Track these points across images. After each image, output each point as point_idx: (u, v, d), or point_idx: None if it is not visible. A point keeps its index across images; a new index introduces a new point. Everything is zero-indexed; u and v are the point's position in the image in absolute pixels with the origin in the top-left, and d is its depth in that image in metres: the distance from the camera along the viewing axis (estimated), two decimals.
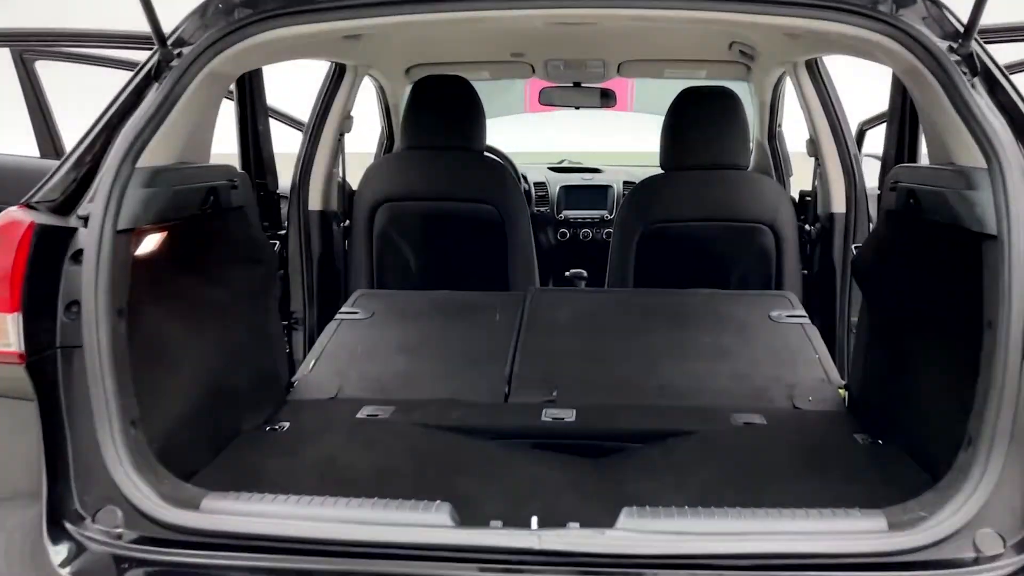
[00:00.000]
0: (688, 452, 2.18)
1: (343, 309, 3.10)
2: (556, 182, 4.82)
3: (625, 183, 4.75)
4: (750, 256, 3.30)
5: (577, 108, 4.38)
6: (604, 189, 4.77)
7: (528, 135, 5.61)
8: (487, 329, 2.93)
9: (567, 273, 4.44)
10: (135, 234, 1.79)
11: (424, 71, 3.95)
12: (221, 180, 2.12)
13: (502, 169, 3.45)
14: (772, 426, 2.31)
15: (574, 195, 4.78)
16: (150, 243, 1.94)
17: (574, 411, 2.37)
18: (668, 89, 4.58)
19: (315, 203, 3.47)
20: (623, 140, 5.70)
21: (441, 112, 3.42)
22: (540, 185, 4.80)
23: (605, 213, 4.72)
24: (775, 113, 4.18)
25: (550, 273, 4.83)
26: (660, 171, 3.40)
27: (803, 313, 2.97)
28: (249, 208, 2.33)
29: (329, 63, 3.45)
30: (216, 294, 2.18)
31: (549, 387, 2.53)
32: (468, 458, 2.14)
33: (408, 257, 3.50)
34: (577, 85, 4.27)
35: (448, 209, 3.43)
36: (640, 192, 3.40)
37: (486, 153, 3.50)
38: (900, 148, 2.97)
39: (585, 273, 4.40)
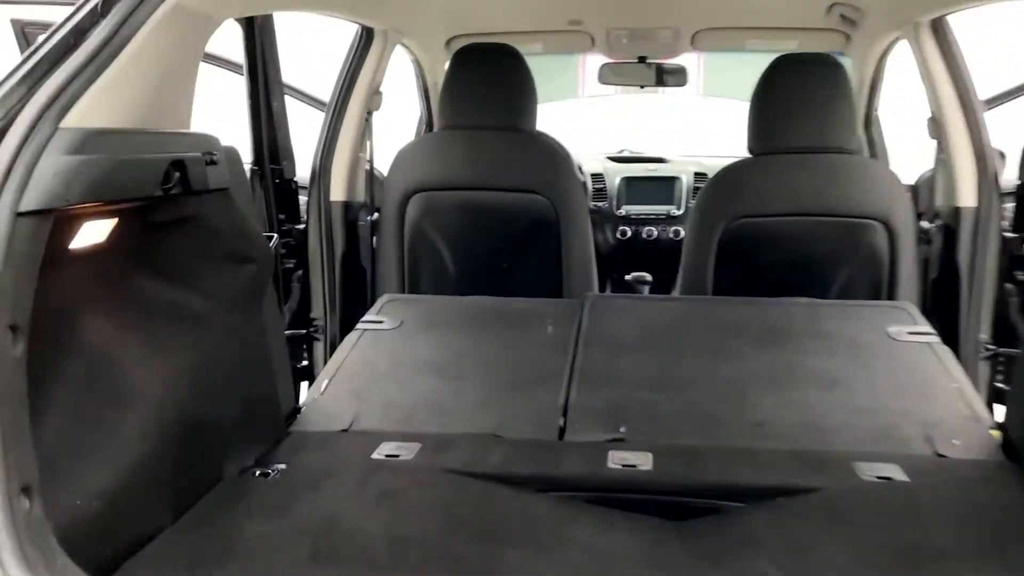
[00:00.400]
0: (807, 518, 1.62)
1: (366, 317, 2.60)
2: (615, 173, 4.26)
3: (696, 175, 4.18)
4: (858, 258, 2.73)
5: (642, 87, 3.82)
6: (671, 181, 4.19)
7: (584, 123, 5.04)
8: (537, 345, 2.41)
9: (628, 277, 3.89)
10: (57, 218, 1.29)
11: (467, 42, 3.45)
12: (192, 152, 1.61)
13: (557, 153, 2.91)
14: (915, 482, 1.74)
15: (636, 188, 4.21)
16: (87, 232, 1.44)
17: (650, 455, 1.83)
18: (744, 67, 4.03)
19: (338, 193, 2.97)
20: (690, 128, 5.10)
21: (485, 85, 2.90)
22: (597, 177, 4.25)
23: (672, 208, 4.15)
24: (875, 94, 3.59)
25: (608, 277, 4.28)
26: (744, 157, 2.84)
27: (929, 329, 2.39)
28: (237, 191, 1.81)
29: (356, 27, 2.95)
30: (185, 301, 1.68)
31: (615, 422, 2.00)
32: (512, 520, 1.61)
33: (444, 256, 2.98)
34: (642, 60, 3.72)
35: (492, 200, 2.90)
36: (723, 180, 2.83)
37: (537, 134, 2.97)
38: None
39: (649, 277, 3.85)
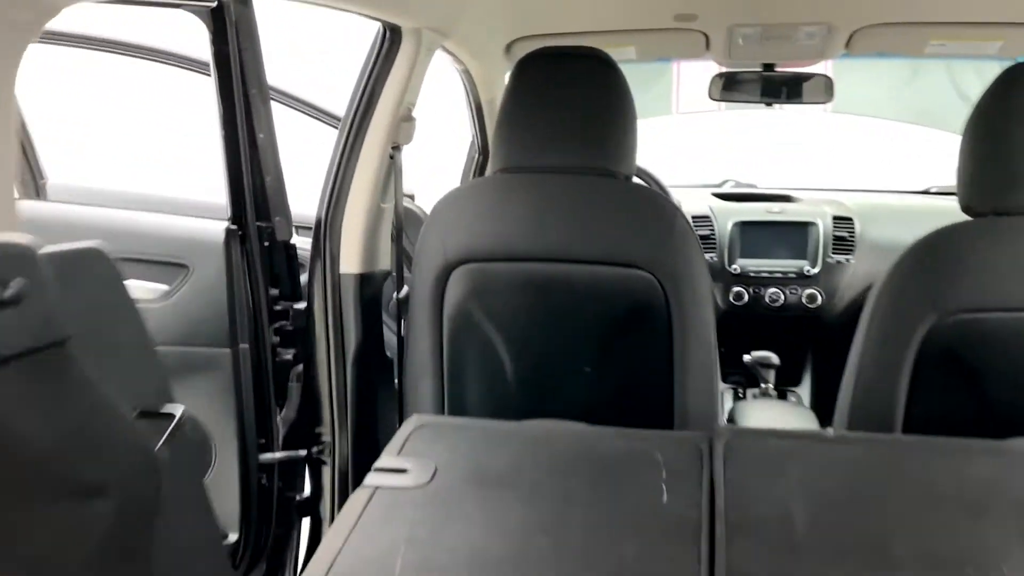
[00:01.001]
0: None
1: (383, 460, 1.70)
2: (726, 216, 3.29)
3: (836, 219, 3.20)
4: None
5: (769, 105, 2.85)
6: (803, 228, 3.21)
7: (678, 146, 4.06)
8: (648, 525, 1.49)
9: (747, 358, 2.94)
10: None
11: (536, 45, 2.56)
12: None
13: (667, 210, 1.98)
14: None
15: (755, 236, 3.24)
16: None
17: None
18: (880, 77, 3.03)
19: (351, 262, 2.10)
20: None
21: (563, 108, 1.98)
22: (702, 220, 3.30)
23: (805, 265, 3.17)
24: None
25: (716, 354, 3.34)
26: (957, 215, 1.88)
27: None
28: (79, 345, 0.93)
29: (377, 25, 2.07)
30: None
31: None
32: None
33: (501, 354, 2.06)
34: (769, 68, 2.76)
35: (571, 277, 1.98)
36: (929, 254, 1.86)
37: (637, 179, 2.04)
38: None
39: (775, 359, 2.89)
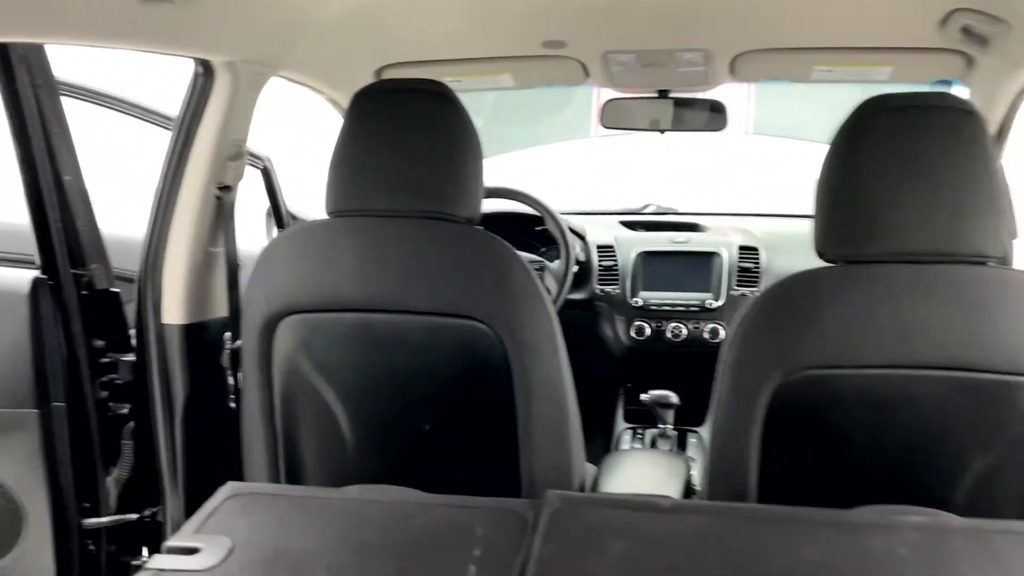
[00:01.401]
0: None
1: (172, 540, 1.55)
2: (631, 245, 3.15)
3: (743, 249, 3.07)
4: (1005, 439, 1.62)
5: (662, 132, 2.72)
6: (707, 258, 3.07)
7: (597, 170, 3.91)
8: None
9: (644, 397, 2.80)
10: None
11: (409, 73, 2.41)
12: None
13: (503, 255, 1.82)
14: None
15: (659, 267, 3.10)
16: None
17: None
18: (806, 97, 2.94)
19: (174, 312, 1.96)
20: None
21: (398, 149, 1.84)
22: (606, 250, 3.16)
23: (708, 298, 3.02)
24: (1002, 140, 2.46)
25: (619, 392, 3.18)
26: (816, 260, 1.74)
27: None
28: None
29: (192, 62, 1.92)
30: None
31: None
32: None
33: (335, 412, 1.91)
34: (663, 95, 2.62)
35: (404, 328, 1.83)
36: (778, 304, 1.73)
37: (480, 227, 1.89)
38: None
39: (675, 399, 2.75)
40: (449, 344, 1.82)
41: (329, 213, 1.87)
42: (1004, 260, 1.63)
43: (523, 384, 1.82)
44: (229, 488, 1.72)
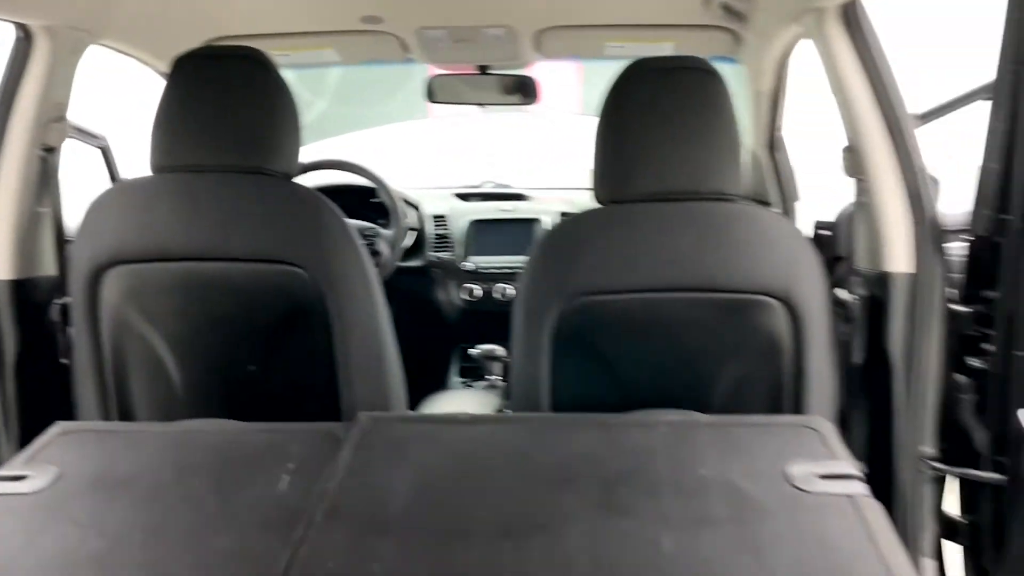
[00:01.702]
0: None
1: (6, 467, 1.66)
2: (462, 215, 3.38)
3: (563, 215, 3.34)
4: (749, 350, 1.90)
5: (481, 106, 2.95)
6: (529, 224, 3.32)
7: (434, 150, 4.12)
8: (253, 519, 1.50)
9: (474, 352, 3.02)
10: None
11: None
12: None
13: (315, 204, 2.00)
14: None
15: (487, 234, 3.33)
16: None
17: None
18: None
19: (2, 268, 2.04)
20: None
21: (216, 107, 1.98)
22: (440, 220, 3.37)
23: None
24: (777, 109, 2.79)
25: (454, 351, 3.40)
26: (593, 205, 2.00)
27: (850, 468, 1.55)
28: None
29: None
30: None
31: None
32: None
33: (163, 358, 2.05)
34: (484, 71, 2.85)
35: (226, 275, 1.98)
36: (557, 242, 1.97)
37: (297, 180, 2.06)
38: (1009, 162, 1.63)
39: (501, 351, 2.98)
40: (269, 288, 1.98)
41: (152, 170, 2.00)
42: (738, 199, 1.92)
43: (340, 323, 1.99)
44: (59, 427, 1.83)
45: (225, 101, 1.98)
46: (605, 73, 3.79)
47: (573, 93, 3.85)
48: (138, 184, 2.02)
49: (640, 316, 1.88)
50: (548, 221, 3.30)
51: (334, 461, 1.61)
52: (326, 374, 2.03)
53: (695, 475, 1.55)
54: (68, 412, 2.20)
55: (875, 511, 1.43)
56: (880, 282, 1.94)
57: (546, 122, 4.19)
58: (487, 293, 3.26)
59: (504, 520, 1.44)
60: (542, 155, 4.12)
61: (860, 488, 1.48)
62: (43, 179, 2.10)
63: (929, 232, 1.85)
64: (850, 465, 1.54)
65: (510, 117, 3.91)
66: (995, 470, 1.84)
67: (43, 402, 2.17)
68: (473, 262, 3.29)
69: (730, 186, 1.86)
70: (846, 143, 1.99)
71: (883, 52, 1.89)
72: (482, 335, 3.16)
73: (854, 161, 1.95)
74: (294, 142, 2.04)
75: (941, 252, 1.86)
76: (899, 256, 1.88)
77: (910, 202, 1.86)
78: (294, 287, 1.97)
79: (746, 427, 1.74)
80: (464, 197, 3.53)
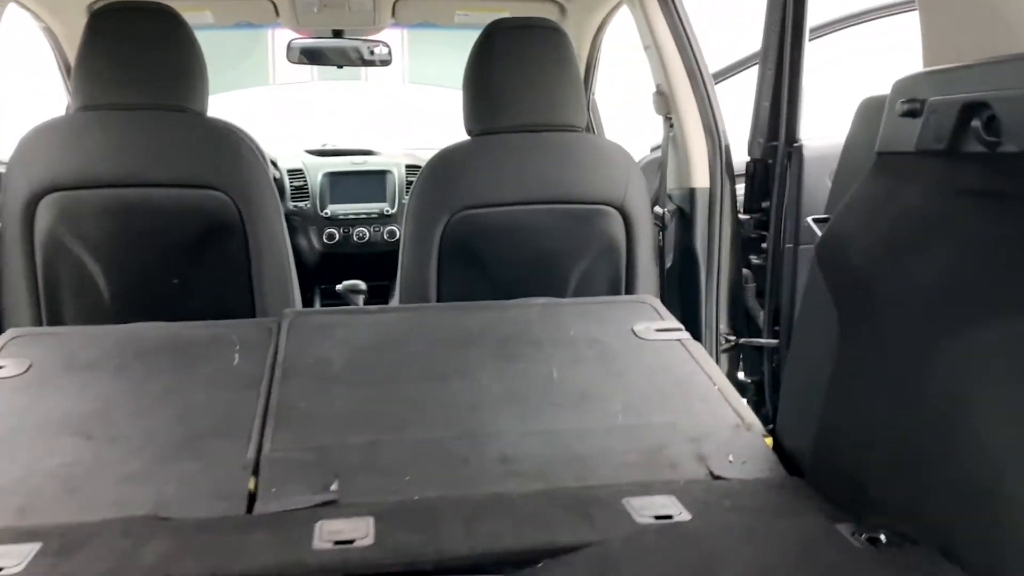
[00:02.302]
0: None
1: None
2: (317, 169, 3.72)
3: (409, 167, 3.75)
4: (594, 249, 2.43)
5: (339, 67, 3.32)
6: (381, 176, 3.73)
7: (275, 114, 4.42)
8: (217, 383, 1.83)
9: (339, 287, 3.38)
10: None
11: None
12: None
13: (237, 138, 2.34)
14: (696, 521, 1.40)
15: (343, 185, 3.70)
16: None
17: (371, 521, 1.35)
18: (451, 53, 3.67)
19: None
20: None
21: (136, 52, 2.26)
22: (296, 173, 3.70)
23: (385, 206, 3.69)
24: (592, 73, 3.36)
25: (315, 289, 3.73)
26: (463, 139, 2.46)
27: (675, 324, 2.11)
28: None
29: None
30: None
31: (324, 476, 1.50)
32: None
33: (94, 275, 2.30)
34: (338, 35, 3.22)
35: (151, 199, 2.27)
36: (439, 167, 2.41)
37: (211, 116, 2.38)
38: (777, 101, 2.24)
39: (363, 285, 3.36)
40: (190, 210, 2.29)
41: (79, 108, 2.25)
42: (583, 130, 2.44)
43: (255, 240, 2.34)
44: (11, 332, 2.07)
45: (144, 48, 2.27)
46: (427, 46, 4.26)
47: (399, 63, 4.25)
48: (67, 120, 2.26)
49: (509, 225, 2.36)
50: (397, 173, 3.71)
51: (274, 342, 1.98)
52: (240, 284, 2.36)
53: (566, 334, 2.05)
54: None
55: (698, 348, 2.00)
56: (685, 197, 2.52)
57: (373, 88, 4.58)
58: (345, 237, 3.64)
59: (426, 369, 1.89)
60: (373, 119, 4.51)
61: (686, 335, 2.04)
62: None
63: (722, 157, 2.45)
64: (677, 324, 2.10)
65: (342, 84, 4.26)
66: (772, 337, 2.47)
67: None
68: (331, 210, 3.64)
69: (577, 119, 2.38)
70: (656, 88, 2.56)
71: (688, 17, 2.46)
72: (340, 275, 3.52)
73: (664, 104, 2.52)
74: (205, 84, 2.36)
75: (731, 172, 2.47)
76: (699, 175, 2.47)
77: (706, 132, 2.44)
78: (214, 208, 2.29)
79: (598, 304, 2.27)
80: (316, 153, 3.87)
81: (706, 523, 1.37)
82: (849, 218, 1.54)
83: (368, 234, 3.65)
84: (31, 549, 1.28)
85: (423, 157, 3.83)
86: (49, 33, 2.86)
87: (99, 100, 2.23)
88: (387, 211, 3.67)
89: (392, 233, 3.64)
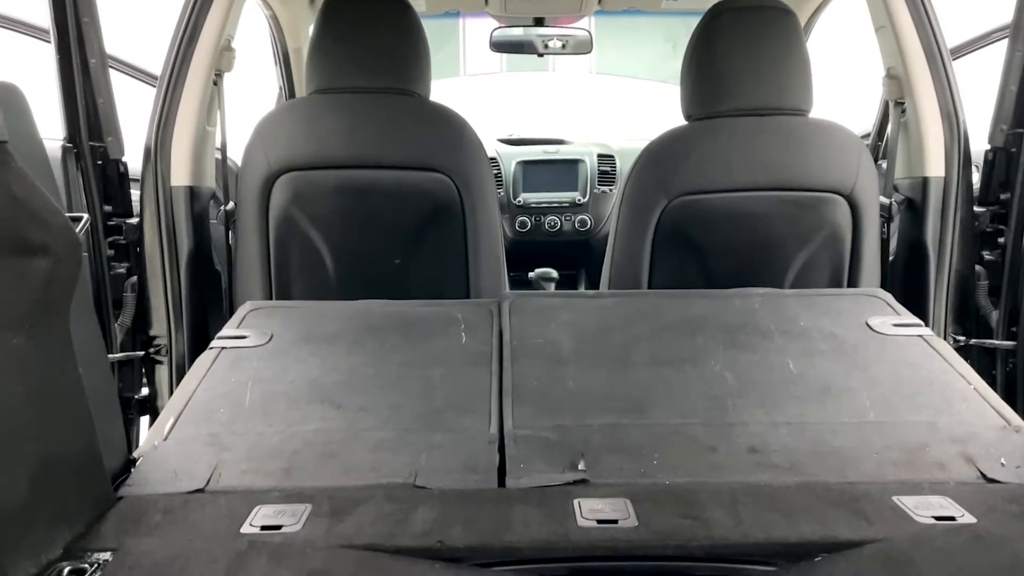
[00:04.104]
0: None
1: (224, 332, 1.98)
2: (510, 157, 3.76)
3: (601, 156, 3.73)
4: (817, 239, 2.33)
5: (540, 55, 3.33)
6: (573, 164, 3.72)
7: (466, 105, 4.49)
8: (449, 360, 1.86)
9: (531, 274, 3.40)
10: None
11: None
12: None
13: (459, 123, 2.38)
14: (982, 522, 1.31)
15: (535, 174, 3.73)
16: None
17: (628, 504, 1.33)
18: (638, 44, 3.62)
19: (181, 176, 2.35)
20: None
21: (367, 38, 2.34)
22: (491, 162, 3.75)
23: (577, 195, 3.68)
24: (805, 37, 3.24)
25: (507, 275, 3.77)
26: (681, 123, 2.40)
27: (914, 319, 1.99)
28: (20, 148, 1.19)
29: None
30: None
31: (570, 455, 1.49)
32: None
33: (322, 252, 2.39)
34: (539, 23, 3.24)
35: (380, 181, 2.34)
36: (659, 153, 2.37)
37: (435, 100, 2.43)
38: None
39: (555, 273, 3.36)
40: (416, 192, 2.34)
41: (314, 91, 2.34)
42: (809, 113, 2.34)
43: (473, 222, 2.37)
44: (249, 304, 2.16)
45: (377, 34, 2.33)
46: (612, 37, 4.19)
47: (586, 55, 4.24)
48: (303, 103, 2.36)
49: (730, 212, 2.29)
50: (589, 162, 3.69)
51: (496, 323, 1.99)
52: (457, 266, 2.39)
53: (796, 325, 1.97)
54: (220, 306, 2.52)
55: (944, 345, 1.87)
56: (916, 187, 2.38)
57: (561, 79, 4.59)
58: (536, 225, 3.65)
59: (656, 354, 1.85)
60: (561, 109, 4.53)
61: (928, 332, 1.92)
62: (213, 101, 2.41)
63: (960, 144, 2.30)
64: (915, 319, 1.98)
65: (530, 75, 4.29)
66: (1008, 339, 2.30)
67: (202, 296, 2.47)
68: (523, 198, 3.67)
69: (805, 103, 2.29)
70: (886, 71, 2.43)
71: None
72: (530, 263, 3.54)
73: (897, 88, 2.39)
74: (429, 70, 2.40)
75: (969, 160, 2.32)
76: (934, 164, 2.33)
77: (943, 118, 2.30)
78: (438, 192, 2.33)
79: (825, 296, 2.17)
80: (508, 142, 3.91)
81: (999, 527, 1.27)
82: None
83: (559, 223, 3.65)
84: (304, 509, 1.31)
85: (615, 147, 3.80)
86: (274, 21, 2.99)
87: (333, 84, 2.31)
88: (579, 200, 3.66)
89: (583, 222, 3.62)
